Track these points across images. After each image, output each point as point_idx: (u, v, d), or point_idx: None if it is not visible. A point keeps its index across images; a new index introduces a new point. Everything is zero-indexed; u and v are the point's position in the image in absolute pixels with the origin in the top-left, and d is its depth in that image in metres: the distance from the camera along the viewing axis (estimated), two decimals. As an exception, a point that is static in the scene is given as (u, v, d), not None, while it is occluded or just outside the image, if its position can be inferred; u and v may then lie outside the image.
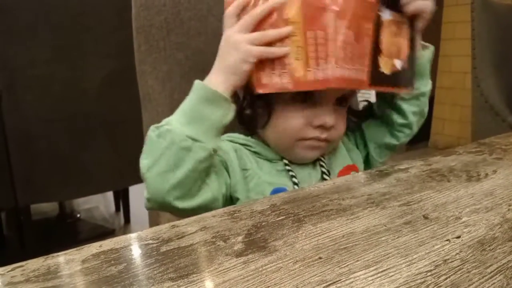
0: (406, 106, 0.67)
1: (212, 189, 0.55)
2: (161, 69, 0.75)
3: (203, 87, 0.54)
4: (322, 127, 0.60)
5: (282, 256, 0.32)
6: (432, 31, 2.66)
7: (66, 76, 1.52)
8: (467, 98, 1.69)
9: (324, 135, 0.61)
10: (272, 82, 0.54)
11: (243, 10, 0.56)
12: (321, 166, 0.65)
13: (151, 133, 0.54)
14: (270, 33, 0.53)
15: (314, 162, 0.66)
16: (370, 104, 0.75)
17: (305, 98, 0.59)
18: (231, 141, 0.65)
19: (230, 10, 0.58)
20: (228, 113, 0.55)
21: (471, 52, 1.57)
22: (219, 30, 0.73)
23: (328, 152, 0.67)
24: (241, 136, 0.66)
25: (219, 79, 0.55)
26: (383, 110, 0.70)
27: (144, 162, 0.53)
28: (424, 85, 0.67)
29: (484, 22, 1.56)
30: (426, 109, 0.70)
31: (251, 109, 0.62)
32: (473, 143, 0.69)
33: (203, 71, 0.76)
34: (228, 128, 0.61)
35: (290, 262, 0.31)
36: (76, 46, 1.52)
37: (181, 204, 0.52)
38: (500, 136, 0.74)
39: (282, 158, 0.64)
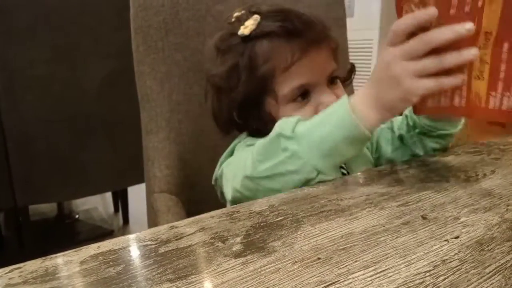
0: (429, 143, 0.65)
1: None
2: (159, 69, 0.75)
3: (356, 128, 0.46)
4: None
5: (280, 256, 0.32)
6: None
7: (66, 77, 1.52)
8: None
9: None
10: (440, 104, 0.46)
11: (420, 29, 0.43)
12: (341, 167, 0.64)
13: (276, 139, 0.50)
14: (449, 59, 0.41)
15: None
16: (352, 66, 0.75)
17: (304, 94, 0.60)
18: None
19: (400, 25, 0.45)
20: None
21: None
22: (217, 30, 0.73)
23: None
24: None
25: (374, 117, 0.47)
26: (404, 136, 0.68)
27: (257, 165, 0.51)
28: (455, 126, 0.63)
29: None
30: (449, 145, 0.67)
31: (263, 125, 0.61)
32: (471, 143, 0.69)
33: (201, 72, 0.77)
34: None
35: (289, 263, 0.31)
36: (75, 47, 1.52)
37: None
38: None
39: None
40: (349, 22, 0.98)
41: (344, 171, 0.64)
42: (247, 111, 0.63)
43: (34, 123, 1.48)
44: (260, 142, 0.53)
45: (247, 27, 0.61)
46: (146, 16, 0.74)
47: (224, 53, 0.64)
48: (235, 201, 0.57)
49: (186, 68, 0.76)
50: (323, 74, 0.62)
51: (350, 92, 0.96)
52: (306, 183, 0.49)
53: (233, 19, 0.64)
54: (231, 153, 0.65)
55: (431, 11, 0.42)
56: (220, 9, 0.79)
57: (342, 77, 0.71)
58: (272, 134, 0.51)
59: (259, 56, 0.60)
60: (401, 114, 0.53)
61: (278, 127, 0.51)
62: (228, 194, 0.58)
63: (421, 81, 0.43)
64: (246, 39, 0.61)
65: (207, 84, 0.67)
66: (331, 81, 0.63)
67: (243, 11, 0.64)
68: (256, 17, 0.61)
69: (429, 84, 0.43)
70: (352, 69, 0.75)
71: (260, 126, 0.63)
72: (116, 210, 2.16)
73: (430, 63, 0.42)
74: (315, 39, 0.61)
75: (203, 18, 0.77)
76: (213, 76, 0.65)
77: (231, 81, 0.62)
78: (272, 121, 0.61)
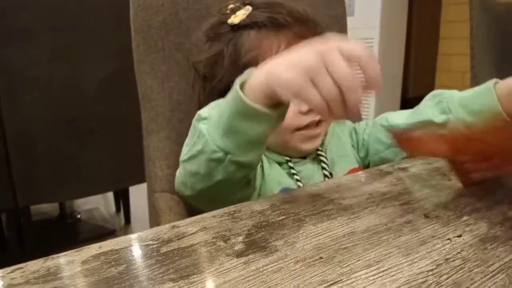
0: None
1: (244, 198, 0.52)
2: (159, 69, 0.75)
3: (241, 101, 0.43)
4: (312, 110, 0.58)
5: (283, 256, 0.32)
6: (431, 30, 2.67)
7: (66, 77, 1.52)
8: (466, 96, 1.68)
9: (318, 117, 0.61)
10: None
11: None
12: (321, 161, 0.65)
13: (195, 122, 0.51)
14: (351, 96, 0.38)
15: (313, 158, 0.66)
16: None
17: None
18: None
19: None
20: (271, 127, 0.45)
21: (469, 51, 1.57)
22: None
23: (323, 143, 0.67)
24: None
25: (258, 88, 0.43)
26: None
27: (184, 149, 0.51)
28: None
29: (483, 21, 1.56)
30: None
31: None
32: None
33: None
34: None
35: (291, 262, 0.31)
36: (75, 47, 1.52)
37: (205, 207, 0.48)
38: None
39: (287, 161, 0.64)
40: (350, 20, 0.98)
41: (327, 172, 0.64)
42: None
43: (34, 123, 1.48)
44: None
45: (237, 16, 0.62)
46: (146, 16, 0.73)
47: (212, 40, 0.64)
48: (180, 193, 0.56)
49: (186, 67, 0.76)
50: None
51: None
52: (216, 165, 0.47)
53: (227, 11, 0.65)
54: None
55: None
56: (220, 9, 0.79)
57: None
58: (195, 116, 0.52)
59: (244, 45, 0.60)
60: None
61: (201, 109, 0.51)
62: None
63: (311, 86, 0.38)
64: (234, 28, 0.62)
65: (194, 73, 0.67)
66: None
67: (237, 3, 0.64)
68: (248, 7, 0.62)
69: (314, 95, 0.38)
70: None
71: None
72: (117, 209, 2.16)
73: (332, 84, 0.37)
74: (304, 34, 0.60)
75: (203, 17, 0.77)
76: (198, 63, 0.66)
77: (215, 69, 0.62)
78: None
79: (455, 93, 0.55)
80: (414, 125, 0.58)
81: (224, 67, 0.61)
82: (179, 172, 0.53)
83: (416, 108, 0.66)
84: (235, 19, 0.61)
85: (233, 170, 0.47)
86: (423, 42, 2.66)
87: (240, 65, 0.60)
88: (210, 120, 0.47)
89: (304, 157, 0.66)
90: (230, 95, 0.45)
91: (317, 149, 0.66)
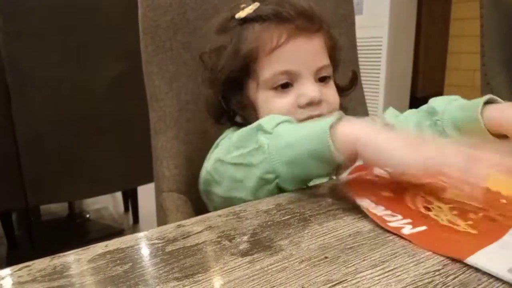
0: None
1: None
2: (167, 69, 0.75)
3: (326, 146, 0.42)
4: (311, 104, 0.60)
5: (287, 255, 0.32)
6: (441, 28, 2.64)
7: (75, 77, 1.53)
8: (476, 95, 1.67)
9: (316, 112, 0.60)
10: None
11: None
12: None
13: (254, 131, 0.50)
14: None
15: None
16: (355, 73, 0.74)
17: (285, 85, 0.61)
18: None
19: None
20: (332, 171, 0.47)
21: (480, 49, 1.55)
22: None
23: None
24: None
25: (350, 151, 0.42)
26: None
27: (231, 149, 0.52)
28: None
29: (493, 19, 1.54)
30: None
31: (241, 111, 0.64)
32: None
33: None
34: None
35: (296, 262, 0.31)
36: (84, 48, 1.54)
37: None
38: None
39: None
40: (358, 19, 0.97)
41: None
42: (230, 92, 0.64)
43: (44, 123, 1.50)
44: (243, 129, 0.53)
45: (244, 11, 0.63)
46: (154, 16, 0.74)
47: (219, 33, 0.65)
48: (206, 183, 0.57)
49: (194, 67, 0.76)
50: (309, 66, 0.61)
51: (360, 97, 0.95)
52: (264, 184, 0.48)
53: (238, 8, 0.66)
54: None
55: None
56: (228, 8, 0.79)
57: (342, 84, 0.71)
58: (255, 124, 0.51)
59: (247, 37, 0.62)
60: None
61: (263, 120, 0.51)
62: (202, 174, 0.59)
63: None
64: (241, 21, 0.63)
65: (203, 67, 0.69)
66: (322, 79, 0.63)
67: (248, 2, 0.66)
68: (256, 3, 0.63)
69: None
70: (353, 78, 0.73)
71: (238, 111, 0.64)
72: (126, 209, 2.17)
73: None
74: (306, 28, 0.61)
75: (211, 17, 0.77)
76: (203, 54, 0.67)
77: (219, 60, 0.63)
78: (251, 106, 0.63)
79: (445, 110, 0.62)
80: None
81: (225, 58, 0.63)
82: (215, 169, 0.53)
83: (411, 113, 0.70)
84: (242, 13, 0.63)
85: (274, 191, 0.48)
86: (432, 40, 2.64)
87: (240, 57, 0.61)
88: (277, 140, 0.47)
89: None
90: (314, 132, 0.44)
91: None
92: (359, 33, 0.97)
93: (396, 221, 0.37)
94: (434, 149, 0.38)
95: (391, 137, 0.41)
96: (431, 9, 2.59)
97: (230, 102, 0.65)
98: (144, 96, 0.76)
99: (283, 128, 0.49)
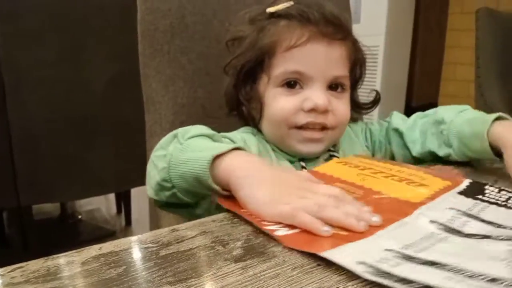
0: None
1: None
2: (164, 72, 0.76)
3: (205, 174, 0.44)
4: (315, 111, 0.59)
5: (280, 262, 0.32)
6: (437, 38, 2.67)
7: (71, 78, 1.53)
8: (470, 106, 1.68)
9: (319, 120, 0.59)
10: None
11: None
12: None
13: (172, 136, 0.52)
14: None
15: (326, 159, 0.65)
16: (377, 94, 0.72)
17: (294, 84, 0.60)
18: (253, 133, 0.65)
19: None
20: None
21: (475, 61, 1.57)
22: (223, 34, 0.74)
23: (336, 144, 0.67)
24: (260, 133, 0.66)
25: (229, 184, 0.44)
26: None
27: (153, 153, 0.52)
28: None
29: (489, 31, 1.56)
30: None
31: (246, 102, 0.64)
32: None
33: (206, 75, 0.77)
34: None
35: (289, 269, 0.31)
36: (81, 49, 1.53)
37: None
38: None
39: (299, 160, 0.64)
40: (355, 28, 0.98)
41: None
42: (243, 83, 0.64)
43: (39, 123, 1.49)
44: (170, 133, 0.53)
45: (275, 7, 0.63)
46: (153, 19, 0.74)
47: (248, 23, 0.65)
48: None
49: (191, 71, 0.77)
50: (324, 73, 0.60)
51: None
52: (161, 189, 0.49)
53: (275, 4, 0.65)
54: None
55: None
56: (226, 14, 0.79)
57: (363, 103, 0.71)
58: (175, 131, 0.52)
59: (269, 30, 0.61)
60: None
61: (182, 129, 0.52)
62: None
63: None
64: (270, 16, 0.63)
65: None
66: (335, 88, 0.62)
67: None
68: (290, 2, 0.63)
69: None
70: (376, 99, 0.72)
71: (244, 102, 0.64)
72: (118, 211, 2.16)
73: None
74: (330, 34, 0.60)
75: (209, 22, 0.78)
76: (228, 41, 0.67)
77: (239, 47, 0.64)
78: (258, 100, 0.62)
79: (453, 121, 0.62)
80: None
81: (243, 47, 0.63)
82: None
83: (419, 118, 0.69)
84: (272, 8, 0.63)
85: (173, 198, 0.49)
86: (428, 51, 2.66)
87: (257, 48, 0.61)
88: (181, 153, 0.48)
89: (318, 157, 0.65)
90: (201, 157, 0.45)
91: (330, 150, 0.66)
92: (356, 41, 0.98)
93: (272, 225, 0.38)
94: (289, 205, 0.39)
95: (253, 192, 0.42)
96: (427, 19, 2.61)
97: (240, 92, 0.64)
98: (140, 98, 0.76)
99: (193, 142, 0.49)
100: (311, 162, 0.64)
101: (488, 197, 0.45)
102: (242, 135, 0.63)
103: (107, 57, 1.58)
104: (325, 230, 0.36)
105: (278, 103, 0.60)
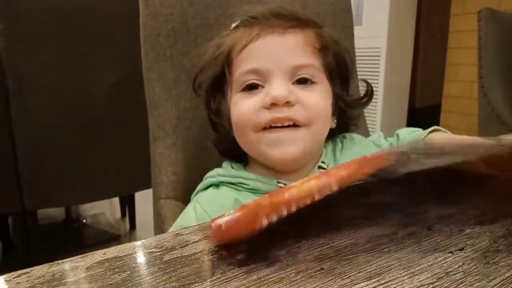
0: None
1: None
2: (167, 76, 0.76)
3: None
4: (276, 105, 0.54)
5: (284, 266, 0.32)
6: (439, 39, 2.66)
7: (75, 83, 1.54)
8: (474, 107, 1.68)
9: (282, 114, 0.54)
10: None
11: None
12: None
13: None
14: None
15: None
16: (369, 85, 0.69)
17: (255, 86, 0.57)
18: (226, 182, 0.60)
19: None
20: None
21: (477, 62, 1.57)
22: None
23: (323, 154, 0.64)
24: (233, 171, 0.62)
25: None
26: None
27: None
28: None
29: (491, 32, 1.56)
30: None
31: (217, 119, 0.63)
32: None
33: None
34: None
35: (292, 273, 0.31)
36: (85, 53, 1.54)
37: None
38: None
39: (278, 184, 0.59)
40: (357, 30, 0.98)
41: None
42: (213, 100, 0.63)
43: (43, 128, 1.50)
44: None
45: (236, 22, 0.63)
46: (155, 24, 0.74)
47: (211, 45, 0.66)
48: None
49: (194, 75, 0.77)
50: (282, 64, 0.56)
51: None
52: None
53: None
54: (204, 189, 0.63)
55: None
56: (228, 17, 0.79)
57: (354, 98, 0.69)
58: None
59: (224, 42, 0.61)
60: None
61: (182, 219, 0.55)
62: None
63: None
64: (229, 31, 0.63)
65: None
66: (301, 81, 0.57)
67: None
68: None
69: None
70: (368, 90, 0.69)
71: (215, 119, 0.63)
72: (123, 215, 2.17)
73: None
74: (279, 24, 0.57)
75: (212, 26, 0.78)
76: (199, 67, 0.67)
77: (202, 65, 0.64)
78: (227, 115, 0.60)
79: (405, 138, 0.67)
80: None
81: (205, 62, 0.64)
82: None
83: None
84: (233, 24, 0.63)
85: None
86: (431, 52, 2.66)
87: (215, 60, 0.61)
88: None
89: (301, 169, 0.60)
90: None
91: (322, 163, 0.62)
92: (358, 43, 0.98)
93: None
94: None
95: None
96: (429, 20, 2.61)
97: (211, 110, 0.63)
98: (144, 102, 0.77)
99: None
100: (295, 176, 0.57)
101: None
102: (200, 203, 0.60)
103: (111, 62, 1.59)
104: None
105: (239, 107, 0.57)
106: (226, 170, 0.63)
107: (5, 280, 0.30)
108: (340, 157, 0.65)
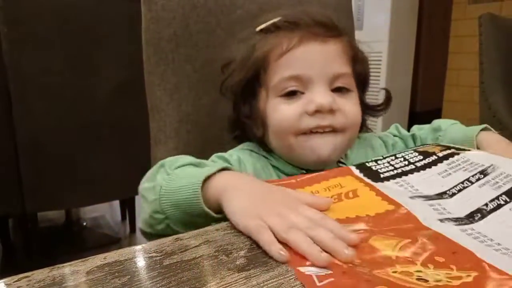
0: None
1: None
2: (169, 80, 0.76)
3: (197, 198, 0.44)
4: (320, 112, 0.56)
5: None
6: (440, 44, 2.67)
7: (77, 85, 1.54)
8: (475, 111, 1.68)
9: (326, 121, 0.56)
10: None
11: None
12: None
13: (158, 167, 0.51)
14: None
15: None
16: (388, 92, 0.71)
17: (294, 92, 0.58)
18: (251, 150, 0.62)
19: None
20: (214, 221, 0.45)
21: (478, 66, 1.57)
22: (226, 42, 0.74)
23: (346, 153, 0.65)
24: (262, 148, 0.63)
25: (220, 201, 0.43)
26: None
27: (141, 186, 0.52)
28: None
29: (492, 37, 1.56)
30: None
31: (248, 120, 0.62)
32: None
33: (210, 83, 0.77)
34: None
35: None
36: (87, 56, 1.55)
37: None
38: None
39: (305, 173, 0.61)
40: (358, 34, 0.99)
41: None
42: (242, 102, 0.62)
43: (45, 130, 1.50)
44: (156, 164, 0.53)
45: (264, 24, 0.62)
46: (157, 28, 0.75)
47: (238, 44, 0.65)
48: None
49: (195, 79, 0.77)
50: (323, 72, 0.57)
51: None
52: (154, 222, 0.48)
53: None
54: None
55: None
56: (229, 22, 0.80)
57: (374, 104, 0.70)
58: (160, 162, 0.52)
59: (260, 45, 0.60)
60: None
61: (168, 159, 0.52)
62: None
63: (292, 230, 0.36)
64: (259, 33, 0.62)
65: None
66: (338, 89, 0.59)
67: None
68: (278, 17, 0.62)
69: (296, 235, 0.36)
70: (387, 98, 0.70)
71: (245, 121, 0.62)
72: (123, 218, 2.17)
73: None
74: (321, 33, 0.58)
75: (213, 30, 0.78)
76: (222, 66, 0.67)
77: (233, 68, 0.63)
78: (260, 116, 0.60)
79: (447, 130, 0.69)
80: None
81: (236, 64, 0.62)
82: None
83: (417, 129, 0.74)
84: (261, 26, 0.62)
85: (168, 230, 0.48)
86: (432, 56, 2.66)
87: (249, 63, 0.60)
88: (171, 183, 0.47)
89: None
90: (190, 183, 0.45)
91: (339, 161, 0.64)
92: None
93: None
94: (256, 221, 0.38)
95: (231, 202, 0.42)
96: (431, 25, 2.62)
97: (240, 112, 0.63)
98: (145, 105, 0.77)
99: (181, 171, 0.48)
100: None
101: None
102: (238, 154, 0.61)
103: (113, 65, 1.59)
104: (280, 253, 0.34)
105: (280, 112, 0.58)
106: (256, 145, 0.64)
107: (6, 284, 0.31)
108: (351, 154, 0.68)
